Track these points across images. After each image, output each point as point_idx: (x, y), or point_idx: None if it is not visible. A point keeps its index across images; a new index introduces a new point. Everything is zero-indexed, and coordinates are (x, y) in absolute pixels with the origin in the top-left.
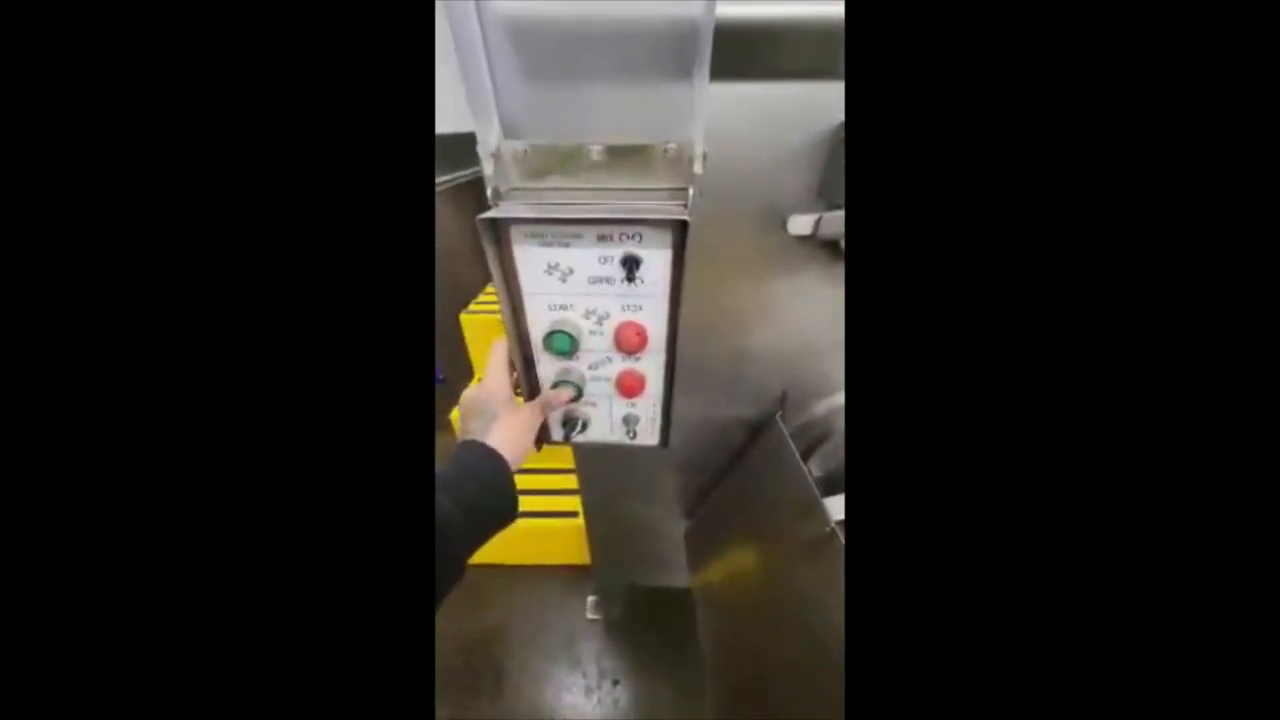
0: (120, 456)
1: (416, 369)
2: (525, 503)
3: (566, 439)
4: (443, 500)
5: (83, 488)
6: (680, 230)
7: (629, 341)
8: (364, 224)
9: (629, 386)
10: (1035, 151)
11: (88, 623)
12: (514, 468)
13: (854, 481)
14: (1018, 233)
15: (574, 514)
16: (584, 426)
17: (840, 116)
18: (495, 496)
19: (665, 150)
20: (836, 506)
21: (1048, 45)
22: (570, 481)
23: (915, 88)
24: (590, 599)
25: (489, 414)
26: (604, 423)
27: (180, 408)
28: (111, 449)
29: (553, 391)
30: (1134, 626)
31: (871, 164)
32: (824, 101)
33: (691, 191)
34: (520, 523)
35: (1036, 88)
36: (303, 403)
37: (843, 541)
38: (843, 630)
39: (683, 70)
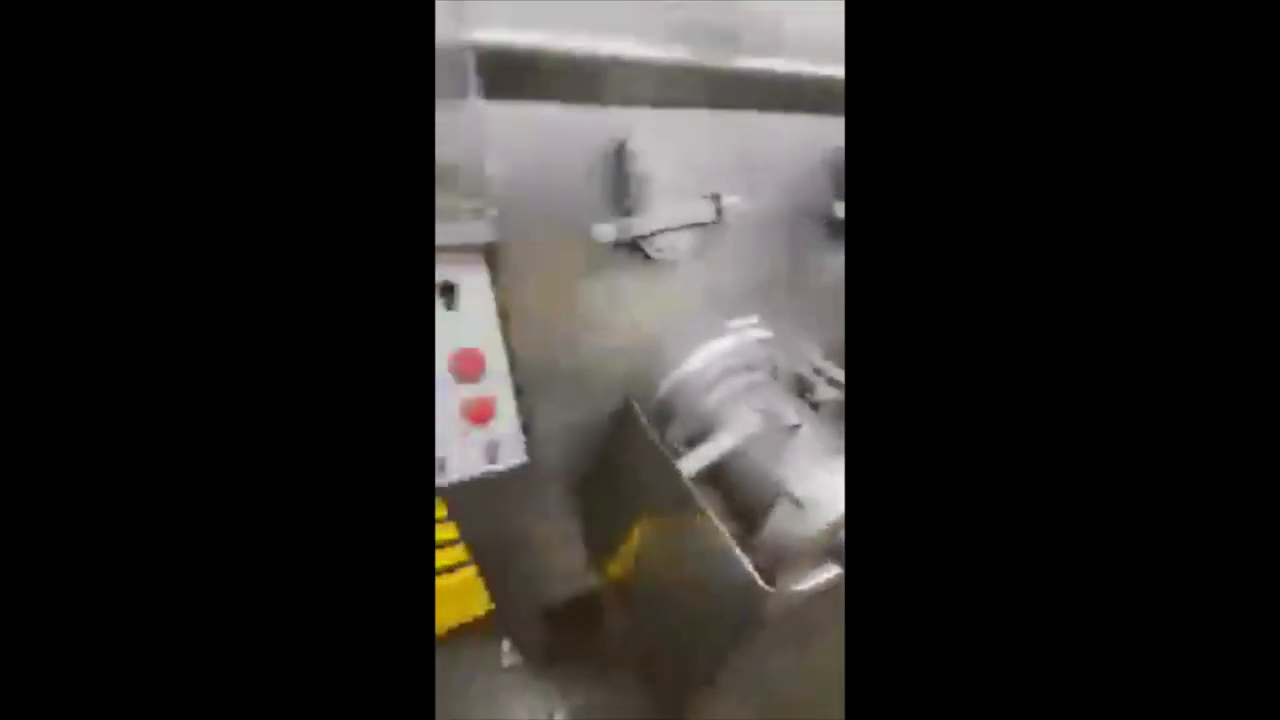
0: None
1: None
2: None
3: None
4: None
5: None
6: (491, 252)
7: (467, 369)
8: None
9: (479, 413)
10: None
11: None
12: None
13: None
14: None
15: (454, 568)
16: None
17: (619, 135)
18: None
19: (455, 169)
20: (692, 465)
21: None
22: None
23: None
24: (504, 644)
25: None
26: (463, 457)
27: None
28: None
29: None
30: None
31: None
32: (591, 124)
33: (492, 212)
34: None
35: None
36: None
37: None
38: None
39: (457, 90)
